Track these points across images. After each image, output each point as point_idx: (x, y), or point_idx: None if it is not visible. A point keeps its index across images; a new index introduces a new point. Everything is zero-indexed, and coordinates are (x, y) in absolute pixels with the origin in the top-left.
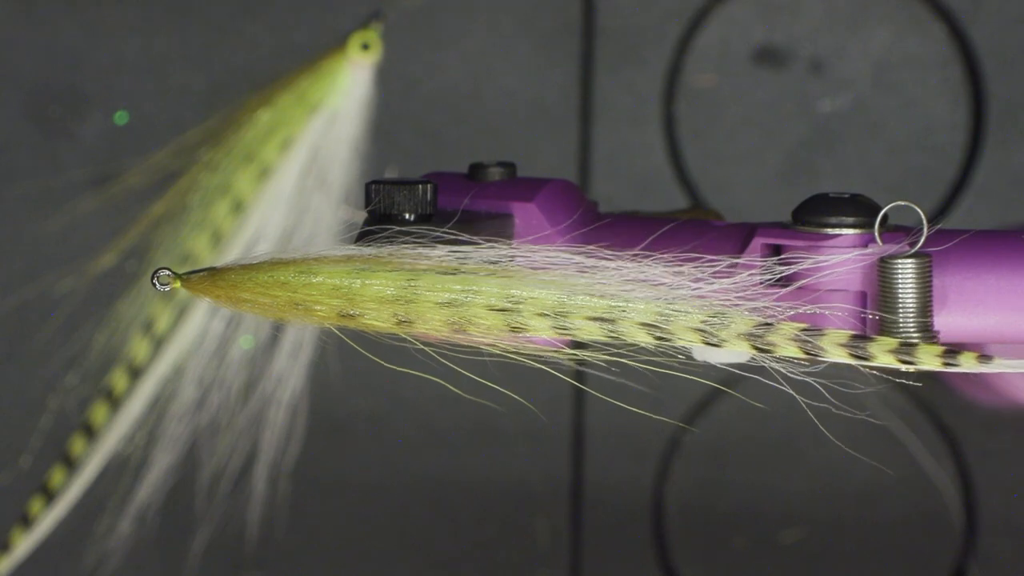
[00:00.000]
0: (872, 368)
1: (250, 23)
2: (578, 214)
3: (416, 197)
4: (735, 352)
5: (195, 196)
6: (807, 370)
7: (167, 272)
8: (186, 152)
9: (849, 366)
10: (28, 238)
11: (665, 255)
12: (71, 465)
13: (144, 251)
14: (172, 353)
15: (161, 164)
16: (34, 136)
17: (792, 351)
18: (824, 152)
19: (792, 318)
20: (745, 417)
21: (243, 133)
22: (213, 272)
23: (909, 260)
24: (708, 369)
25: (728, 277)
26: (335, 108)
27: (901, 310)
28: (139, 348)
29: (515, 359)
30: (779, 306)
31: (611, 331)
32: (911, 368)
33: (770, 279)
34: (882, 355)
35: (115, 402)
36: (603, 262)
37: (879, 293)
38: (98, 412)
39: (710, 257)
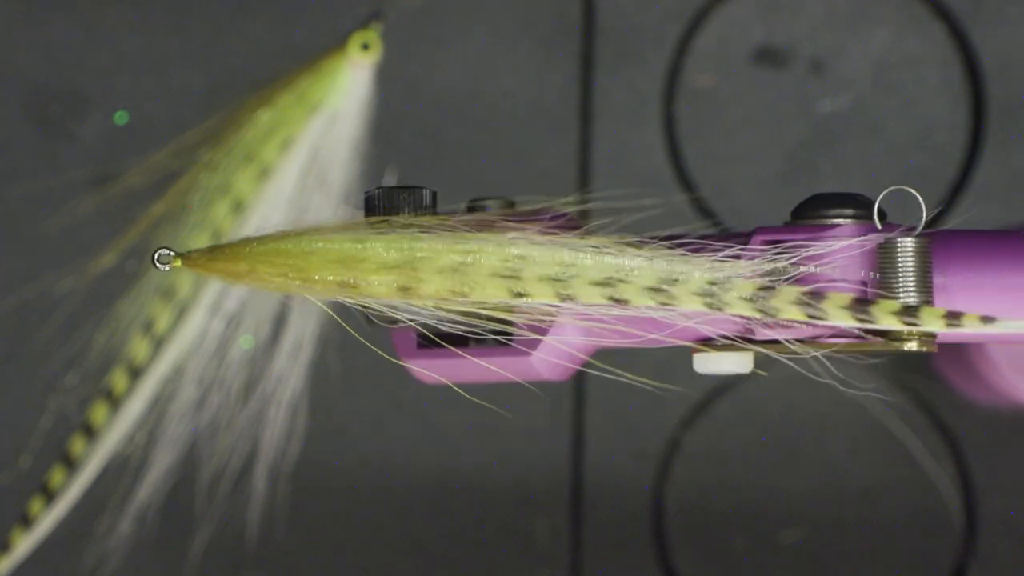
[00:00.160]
0: (875, 335)
1: (250, 23)
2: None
3: (417, 199)
4: (736, 362)
5: (195, 196)
6: (812, 351)
7: (167, 251)
8: (186, 152)
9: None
10: (28, 238)
11: (668, 243)
12: (71, 465)
13: (144, 251)
14: (172, 353)
15: (161, 164)
16: (34, 136)
17: (795, 315)
18: (824, 152)
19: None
20: (745, 417)
21: (243, 133)
22: (213, 248)
23: (909, 239)
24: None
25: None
26: (335, 108)
27: (902, 290)
28: (139, 348)
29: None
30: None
31: (613, 295)
32: (914, 330)
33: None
34: (885, 317)
35: (115, 402)
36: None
37: (880, 277)
38: (98, 412)
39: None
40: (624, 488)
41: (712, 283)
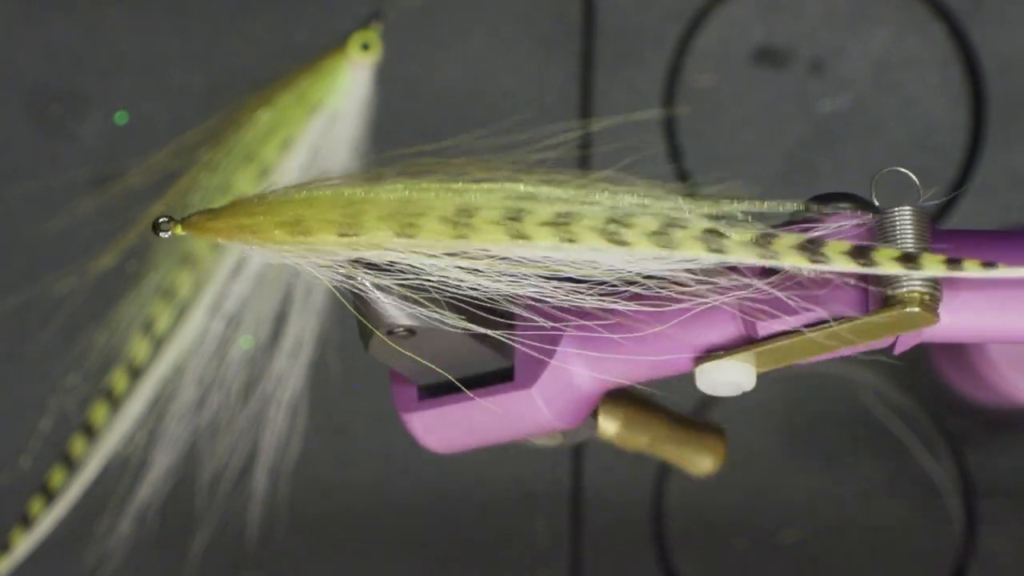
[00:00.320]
0: (876, 274)
1: (250, 23)
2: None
3: None
4: (740, 372)
5: (195, 196)
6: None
7: (166, 219)
8: (186, 152)
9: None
10: (28, 238)
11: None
12: (71, 465)
13: (144, 251)
14: (172, 353)
15: (161, 164)
16: (34, 136)
17: (795, 259)
18: (824, 152)
19: (794, 287)
20: (745, 417)
21: (243, 133)
22: (212, 210)
23: (907, 208)
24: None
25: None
26: (335, 108)
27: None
28: (139, 348)
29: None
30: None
31: (615, 238)
32: (914, 272)
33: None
34: (886, 263)
35: (115, 402)
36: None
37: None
38: (98, 412)
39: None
40: (624, 488)
41: (712, 229)
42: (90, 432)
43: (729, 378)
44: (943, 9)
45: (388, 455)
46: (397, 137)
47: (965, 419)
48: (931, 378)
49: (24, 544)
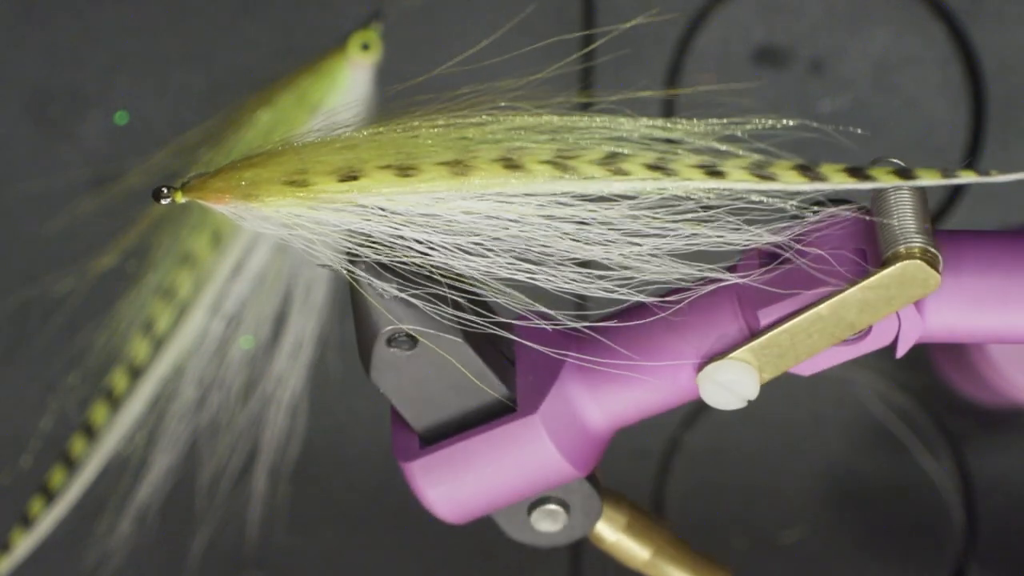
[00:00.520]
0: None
1: (250, 23)
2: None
3: None
4: (742, 380)
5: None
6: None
7: (165, 188)
8: (186, 152)
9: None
10: (28, 238)
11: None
12: (71, 465)
13: (144, 251)
14: (172, 353)
15: (161, 164)
16: (34, 136)
17: (794, 178)
18: (824, 152)
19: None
20: (745, 417)
21: (243, 133)
22: (211, 172)
23: (903, 183)
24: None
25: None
26: (335, 108)
27: (898, 221)
28: (139, 348)
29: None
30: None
31: (616, 170)
32: (910, 183)
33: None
34: (883, 176)
35: (115, 402)
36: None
37: (878, 225)
38: (98, 412)
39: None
40: (624, 488)
41: (707, 163)
42: (90, 432)
43: (732, 379)
44: (943, 9)
45: (388, 455)
46: None
47: (965, 419)
48: (931, 378)
49: (24, 544)
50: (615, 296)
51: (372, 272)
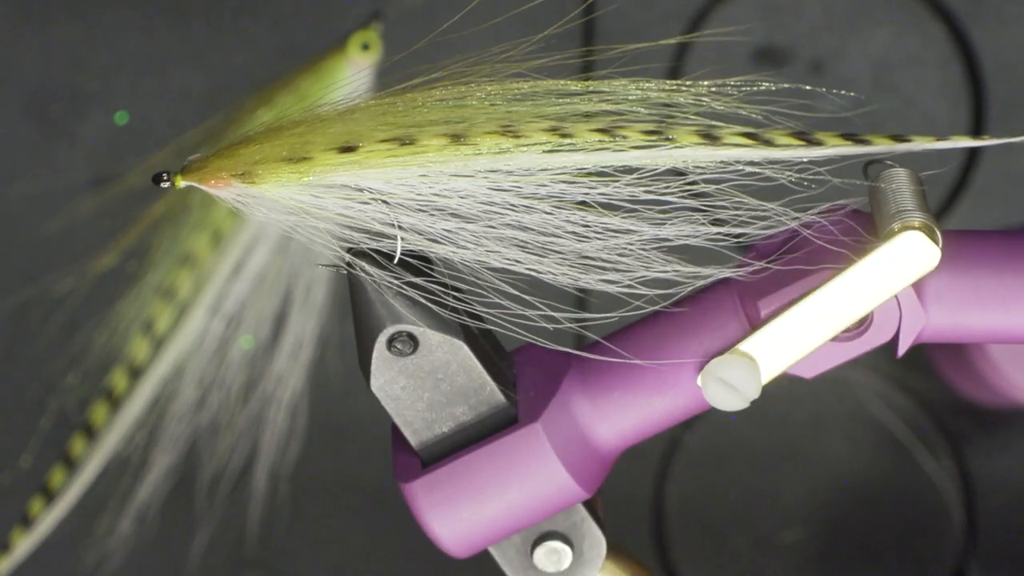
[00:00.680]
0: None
1: (250, 23)
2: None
3: None
4: (744, 377)
5: (195, 196)
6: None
7: (165, 173)
8: (186, 152)
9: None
10: (28, 238)
11: None
12: (71, 465)
13: (144, 251)
14: (172, 353)
15: (161, 164)
16: (34, 136)
17: (790, 141)
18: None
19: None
20: (745, 417)
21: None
22: (211, 154)
23: (898, 146)
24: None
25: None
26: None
27: (895, 204)
28: (139, 348)
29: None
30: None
31: (613, 143)
32: (905, 147)
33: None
34: (879, 140)
35: (115, 402)
36: None
37: (876, 211)
38: (98, 412)
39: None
40: (624, 488)
41: (704, 129)
42: (90, 432)
43: (734, 376)
44: (943, 9)
45: (388, 455)
46: None
47: (965, 419)
48: (931, 378)
49: (24, 544)
50: (614, 291)
51: (370, 262)
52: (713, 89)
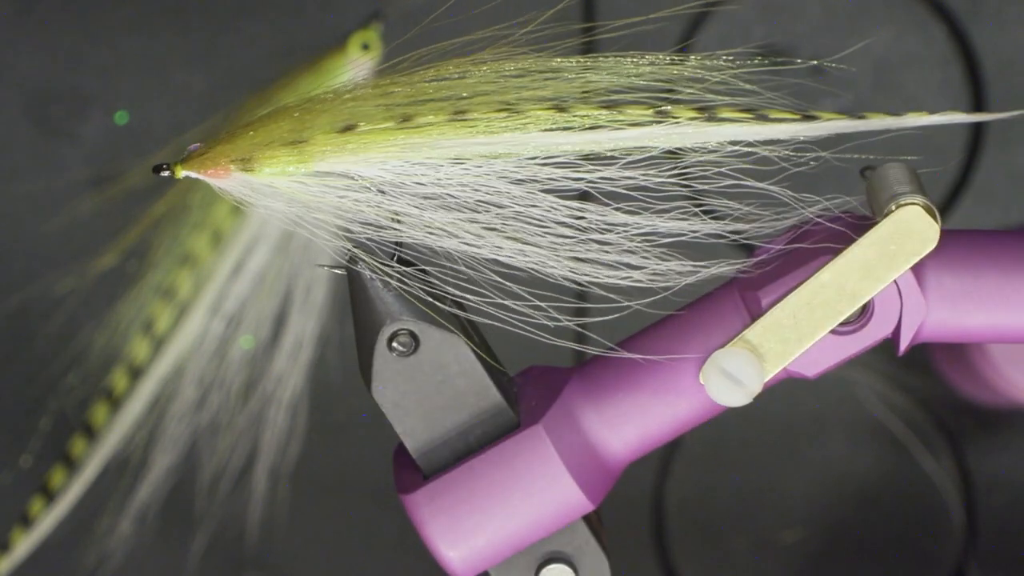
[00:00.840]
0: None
1: (250, 23)
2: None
3: None
4: (746, 370)
5: (195, 196)
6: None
7: (164, 163)
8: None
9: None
10: (28, 238)
11: None
12: (71, 465)
13: (144, 251)
14: (172, 353)
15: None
16: (34, 136)
17: (787, 116)
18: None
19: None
20: (745, 417)
21: None
22: (210, 143)
23: (893, 123)
24: None
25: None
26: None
27: (893, 189)
28: (139, 348)
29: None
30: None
31: (612, 119)
32: (899, 124)
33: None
34: (873, 116)
35: (115, 402)
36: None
37: (873, 200)
38: (98, 412)
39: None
40: (624, 488)
41: (703, 107)
42: (90, 432)
43: (735, 368)
44: (943, 9)
45: (388, 455)
46: None
47: (965, 419)
48: (931, 378)
49: (24, 544)
50: (614, 282)
51: (371, 258)
52: (708, 64)
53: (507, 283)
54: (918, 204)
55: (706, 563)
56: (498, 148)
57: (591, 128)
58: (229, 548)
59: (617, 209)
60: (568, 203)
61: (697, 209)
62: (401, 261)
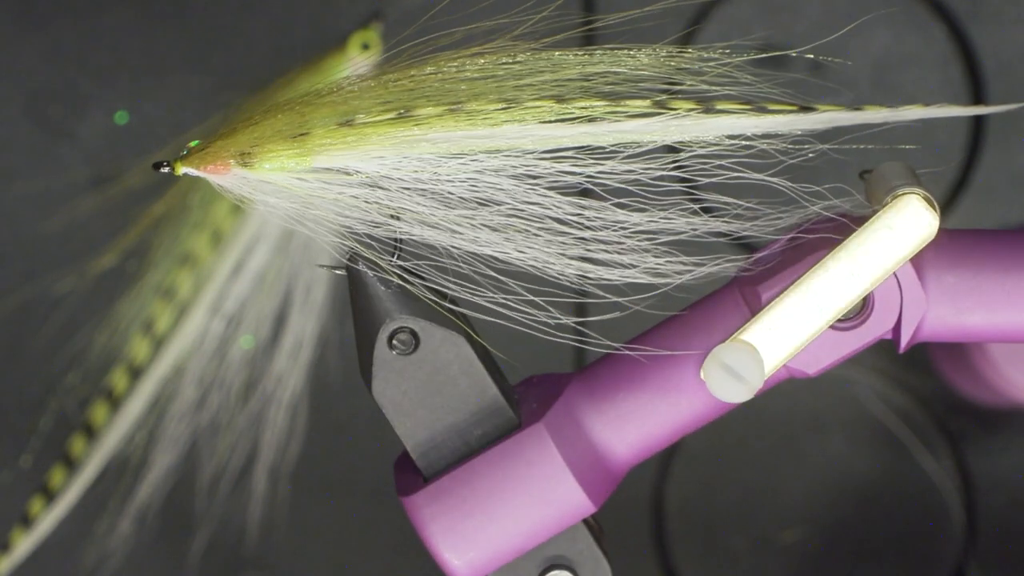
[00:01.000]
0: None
1: (250, 23)
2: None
3: None
4: (747, 364)
5: (195, 196)
6: None
7: (165, 160)
8: None
9: None
10: (28, 238)
11: None
12: (71, 465)
13: (144, 251)
14: (172, 353)
15: None
16: (34, 136)
17: (786, 106)
18: (823, 152)
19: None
20: (745, 417)
21: None
22: (210, 139)
23: (891, 115)
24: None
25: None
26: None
27: (890, 182)
28: (139, 348)
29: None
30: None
31: (610, 110)
32: (898, 117)
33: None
34: (871, 108)
35: (115, 402)
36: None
37: (872, 193)
38: (98, 412)
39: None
40: (624, 488)
41: (700, 99)
42: (90, 432)
43: (736, 363)
44: (943, 9)
45: (388, 455)
46: None
47: (965, 419)
48: (931, 378)
49: (24, 544)
50: (614, 282)
51: (371, 256)
52: (706, 56)
53: (507, 281)
54: (917, 194)
55: (706, 563)
56: (497, 141)
57: (589, 120)
58: (229, 548)
59: (616, 206)
60: (569, 199)
61: (697, 207)
62: (401, 259)
